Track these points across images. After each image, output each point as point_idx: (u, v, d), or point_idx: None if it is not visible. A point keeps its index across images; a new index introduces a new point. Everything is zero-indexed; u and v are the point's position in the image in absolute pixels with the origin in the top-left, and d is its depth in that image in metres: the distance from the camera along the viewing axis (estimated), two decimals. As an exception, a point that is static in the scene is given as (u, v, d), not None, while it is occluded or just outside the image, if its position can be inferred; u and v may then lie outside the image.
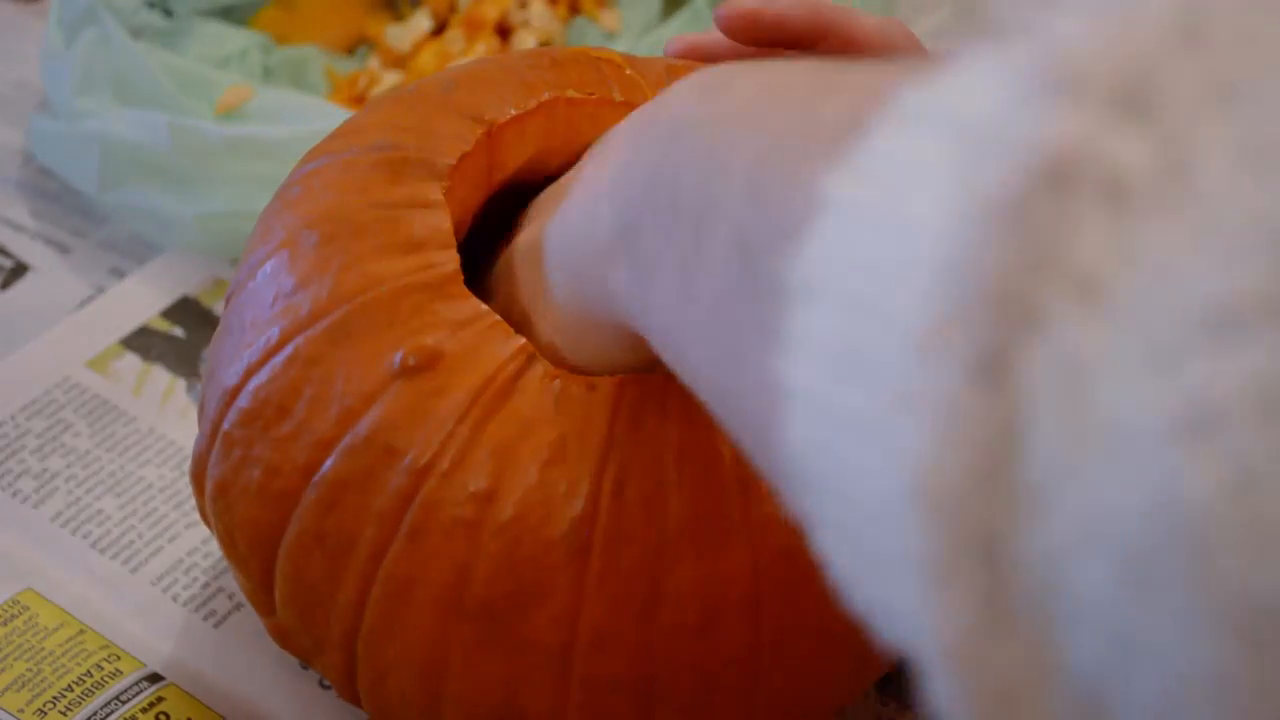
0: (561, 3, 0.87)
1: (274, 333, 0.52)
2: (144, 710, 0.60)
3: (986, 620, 0.25)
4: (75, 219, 0.80)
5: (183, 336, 0.75)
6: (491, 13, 0.85)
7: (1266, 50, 0.26)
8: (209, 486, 0.54)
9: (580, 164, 0.53)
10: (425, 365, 0.50)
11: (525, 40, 0.84)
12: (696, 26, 0.84)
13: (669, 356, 0.42)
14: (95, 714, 0.60)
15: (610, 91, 0.59)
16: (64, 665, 0.61)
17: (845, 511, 0.29)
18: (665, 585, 0.49)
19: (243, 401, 0.52)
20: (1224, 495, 0.23)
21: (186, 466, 0.68)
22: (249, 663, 0.62)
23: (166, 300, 0.76)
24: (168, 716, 0.60)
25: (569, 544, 0.48)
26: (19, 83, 0.87)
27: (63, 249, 0.79)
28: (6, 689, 0.61)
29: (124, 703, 0.60)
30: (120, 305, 0.76)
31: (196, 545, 0.66)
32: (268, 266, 0.53)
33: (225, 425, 0.53)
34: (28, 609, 0.63)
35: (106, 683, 0.61)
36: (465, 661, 0.50)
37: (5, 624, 0.63)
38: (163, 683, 0.61)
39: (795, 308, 0.30)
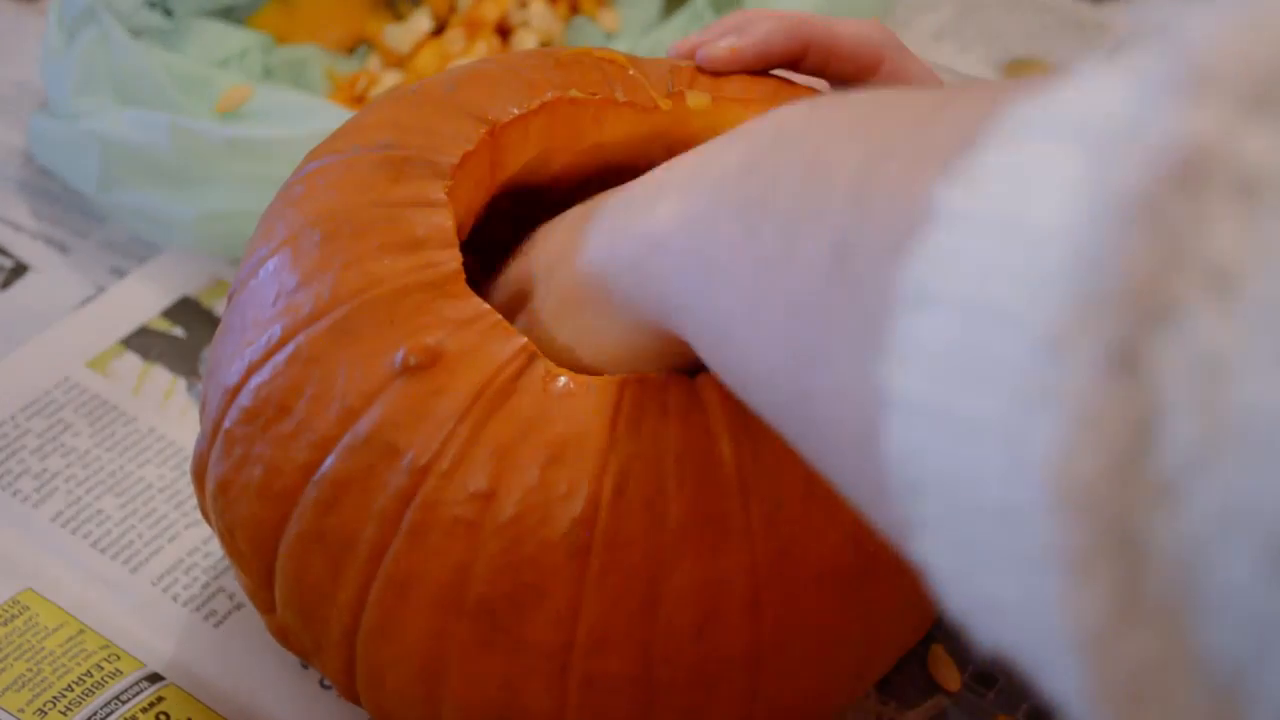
0: (561, 2, 0.87)
1: (275, 331, 0.52)
2: (144, 710, 0.60)
3: (1123, 611, 0.26)
4: (75, 219, 0.80)
5: (183, 336, 0.75)
6: (491, 13, 0.85)
7: None
8: (210, 485, 0.54)
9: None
10: (426, 364, 0.50)
11: (525, 40, 0.84)
12: (696, 26, 0.84)
13: (718, 356, 0.42)
14: (95, 714, 0.60)
15: (613, 92, 0.59)
16: (64, 665, 0.61)
17: (958, 513, 0.29)
18: (665, 586, 0.49)
19: (244, 400, 0.52)
20: None
21: (186, 466, 0.68)
22: (249, 663, 0.62)
23: (166, 300, 0.76)
24: (168, 716, 0.60)
25: (569, 544, 0.48)
26: (19, 83, 0.87)
27: (63, 249, 0.79)
28: (6, 689, 0.61)
29: (124, 703, 0.60)
30: (120, 305, 0.76)
31: (197, 545, 0.66)
32: (270, 265, 0.53)
33: (226, 423, 0.53)
34: (28, 609, 0.63)
35: (106, 683, 0.61)
36: (464, 661, 0.50)
37: (5, 624, 0.63)
38: (163, 683, 0.61)
39: (904, 315, 0.30)
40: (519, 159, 0.58)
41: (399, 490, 0.49)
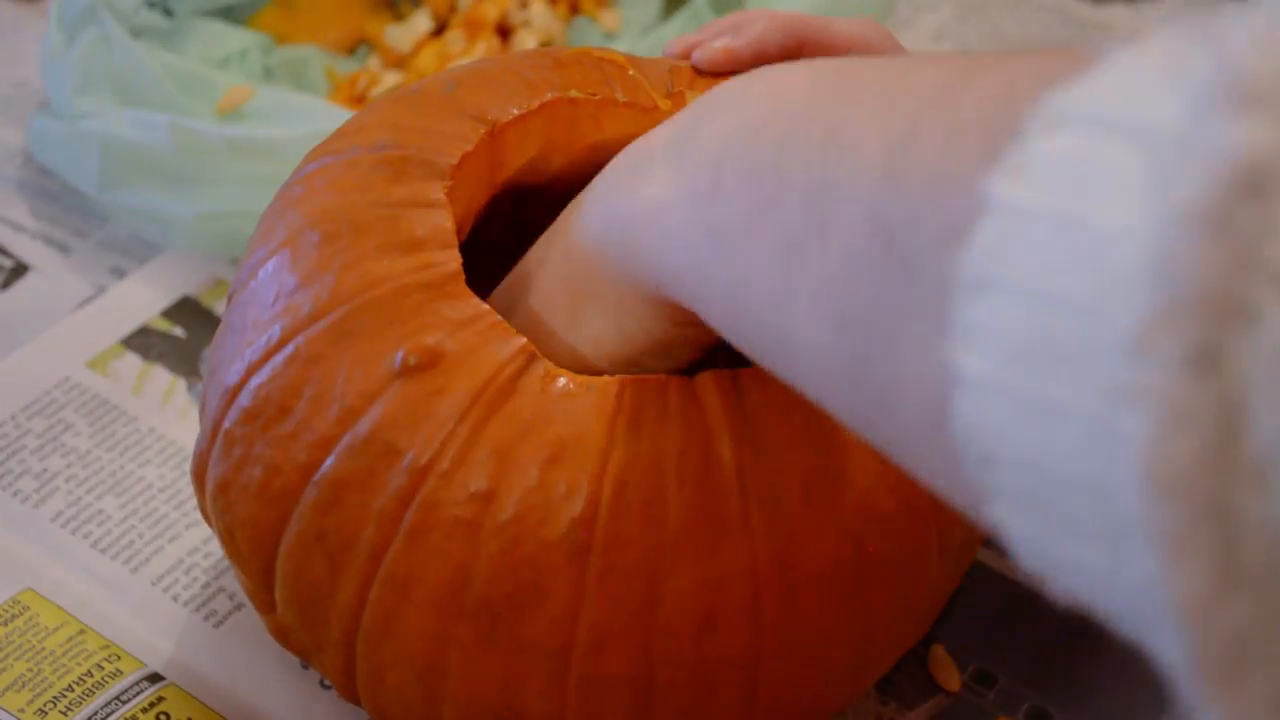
0: (562, 2, 0.87)
1: (275, 331, 0.52)
2: (144, 710, 0.60)
3: (1222, 582, 0.28)
4: (75, 219, 0.80)
5: (183, 336, 0.75)
6: (492, 13, 0.85)
7: None
8: (210, 485, 0.54)
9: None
10: (426, 365, 0.50)
11: (525, 40, 0.84)
12: (695, 26, 0.84)
13: (733, 324, 0.43)
14: (95, 714, 0.60)
15: (613, 92, 0.59)
16: (64, 665, 0.61)
17: (1037, 484, 0.31)
18: (664, 586, 0.49)
19: (244, 400, 0.52)
20: None
21: (187, 466, 0.68)
22: (249, 663, 0.62)
23: (167, 300, 0.76)
24: (168, 716, 0.60)
25: (568, 544, 0.48)
26: (19, 83, 0.87)
27: (63, 249, 0.79)
28: (7, 689, 0.61)
29: (124, 703, 0.60)
30: (120, 305, 0.76)
31: (197, 545, 0.66)
32: (269, 265, 0.53)
33: (226, 424, 0.53)
34: (28, 609, 0.63)
35: (107, 683, 0.61)
36: (464, 661, 0.50)
37: (5, 624, 0.63)
38: (163, 683, 0.61)
39: (966, 300, 0.32)
40: (519, 159, 0.58)
41: (399, 490, 0.49)
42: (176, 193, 0.76)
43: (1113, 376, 0.29)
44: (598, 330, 0.51)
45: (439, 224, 0.53)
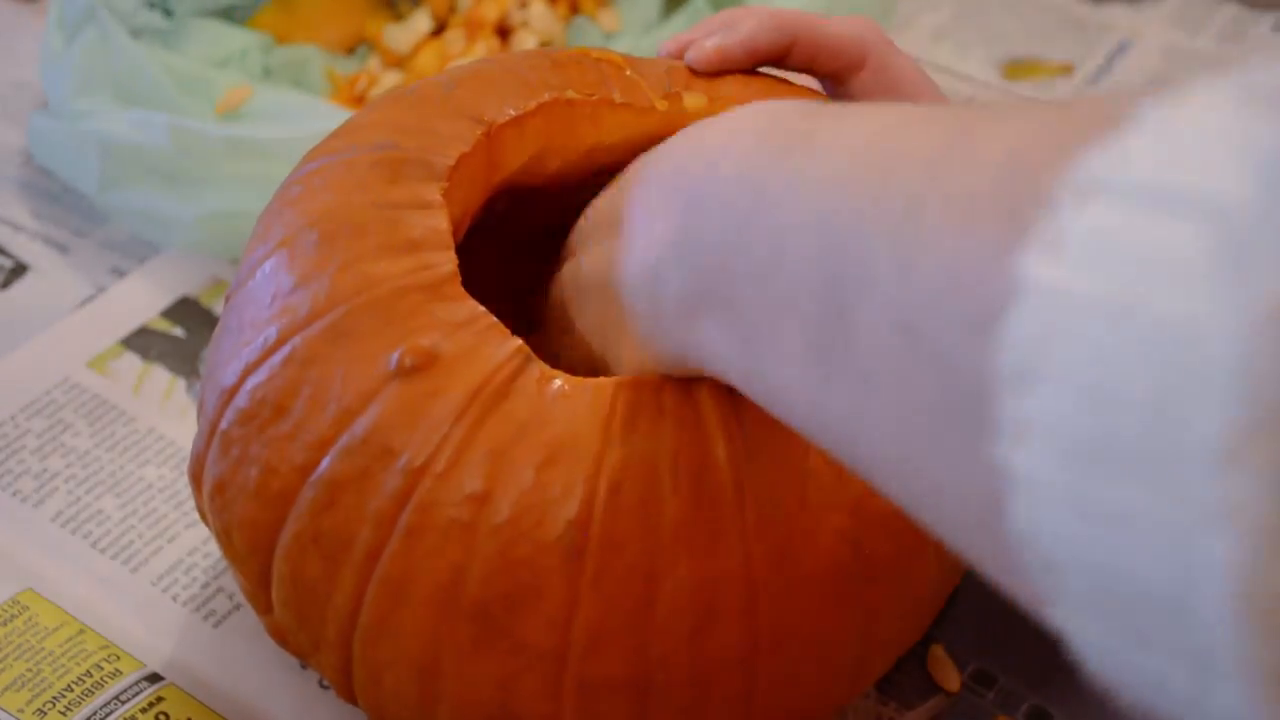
0: (561, 2, 0.87)
1: (272, 332, 0.52)
2: (144, 710, 0.60)
3: None
4: (75, 219, 0.80)
5: (183, 336, 0.75)
6: (491, 13, 0.85)
7: None
8: (207, 485, 0.54)
9: (615, 193, 0.53)
10: (422, 366, 0.50)
11: (525, 40, 0.84)
12: (696, 26, 0.84)
13: (785, 415, 0.41)
14: (95, 714, 0.60)
15: (610, 93, 0.59)
16: (64, 665, 0.62)
17: (1106, 595, 0.28)
18: (660, 587, 0.49)
19: (240, 401, 0.52)
20: None
21: (186, 466, 0.68)
22: (249, 663, 0.62)
23: (166, 300, 0.76)
24: (167, 716, 0.60)
25: (564, 546, 0.48)
26: (19, 83, 0.87)
27: (63, 249, 0.79)
28: (6, 689, 0.61)
29: (124, 703, 0.60)
30: (120, 305, 0.76)
31: (196, 545, 0.66)
32: (267, 266, 0.53)
33: (223, 424, 0.53)
34: (28, 609, 0.64)
35: (106, 683, 0.61)
36: (460, 662, 0.50)
37: (5, 624, 0.63)
38: (162, 683, 0.61)
39: (1009, 393, 0.29)
40: (516, 160, 0.58)
41: (395, 492, 0.49)
42: (176, 193, 0.76)
43: (1193, 488, 0.26)
44: (624, 360, 0.50)
45: (435, 225, 0.53)
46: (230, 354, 0.53)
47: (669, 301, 0.45)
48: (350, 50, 0.88)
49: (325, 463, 0.50)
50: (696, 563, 0.49)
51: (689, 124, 0.60)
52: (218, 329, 0.56)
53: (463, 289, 0.51)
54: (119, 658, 0.62)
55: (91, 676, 0.61)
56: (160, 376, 0.73)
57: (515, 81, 0.58)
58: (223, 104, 0.77)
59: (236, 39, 0.83)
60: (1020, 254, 0.29)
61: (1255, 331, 0.25)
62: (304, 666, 0.62)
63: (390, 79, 0.83)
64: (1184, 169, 0.27)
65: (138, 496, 0.68)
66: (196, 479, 0.55)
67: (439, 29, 0.87)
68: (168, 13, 0.83)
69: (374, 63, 0.86)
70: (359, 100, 0.82)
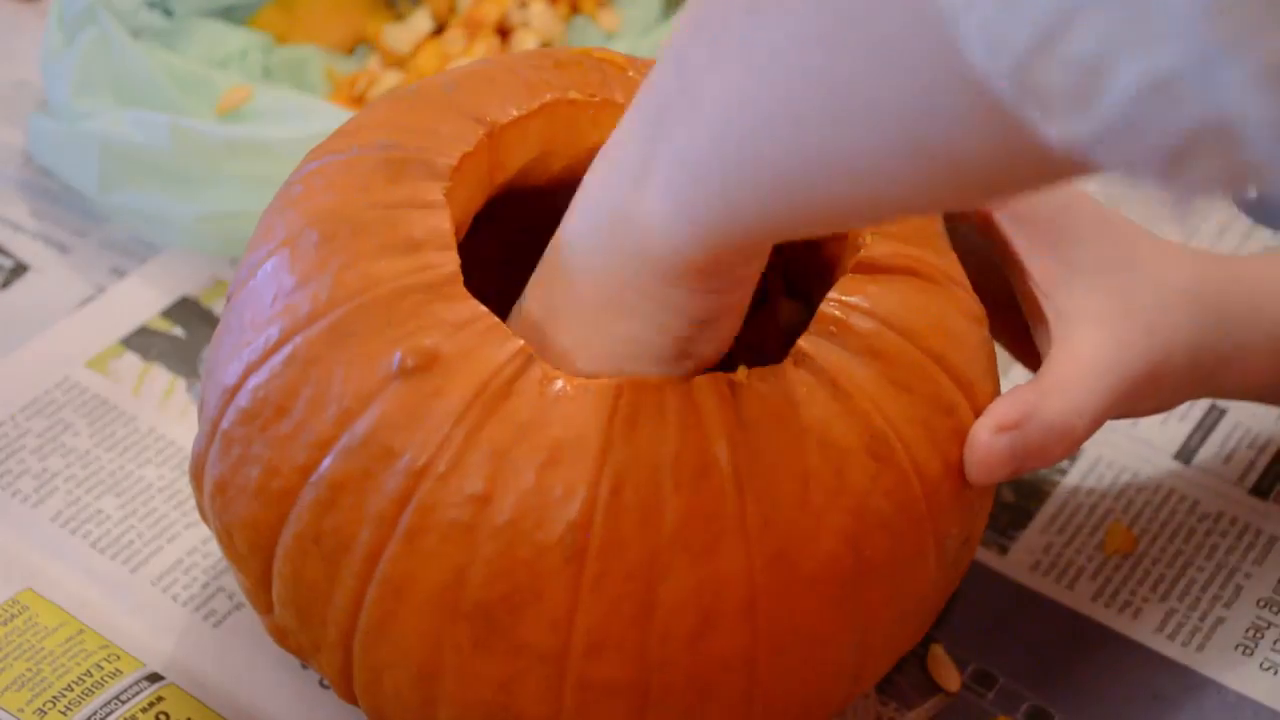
0: (562, 2, 0.87)
1: (273, 332, 0.52)
2: (144, 710, 0.60)
3: None
4: (75, 219, 0.80)
5: (183, 336, 0.75)
6: (492, 13, 0.85)
7: None
8: (208, 485, 0.54)
9: None
10: (423, 366, 0.50)
11: (525, 40, 0.84)
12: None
13: (748, 136, 0.41)
14: (95, 714, 0.60)
15: (612, 93, 0.59)
16: (64, 665, 0.62)
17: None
18: (661, 589, 0.49)
19: (241, 400, 0.52)
20: None
21: (186, 466, 0.68)
22: (249, 663, 0.62)
23: (166, 300, 0.76)
24: (167, 716, 0.60)
25: (565, 547, 0.48)
26: (19, 83, 0.87)
27: (63, 249, 0.79)
28: (6, 689, 0.61)
29: (124, 702, 0.60)
30: (120, 305, 0.76)
31: (196, 545, 0.66)
32: (268, 265, 0.53)
33: (224, 424, 0.53)
34: (28, 609, 0.64)
35: (106, 682, 0.61)
36: (460, 663, 0.50)
37: (5, 624, 0.63)
38: (162, 682, 0.61)
39: None
40: (518, 160, 0.58)
41: (396, 492, 0.49)
42: (176, 193, 0.76)
43: None
44: (633, 332, 0.50)
45: (437, 225, 0.53)
46: (231, 353, 0.53)
47: (631, 160, 0.45)
48: (350, 50, 0.88)
49: (326, 463, 0.50)
50: (697, 564, 0.49)
51: None
52: (219, 328, 0.56)
53: (464, 289, 0.51)
54: (119, 658, 0.62)
55: (91, 676, 0.61)
56: (160, 376, 0.73)
57: (517, 82, 0.58)
58: (222, 104, 0.77)
59: (237, 39, 0.83)
60: None
61: None
62: (304, 666, 0.62)
63: (390, 79, 0.83)
64: None
65: (138, 496, 0.68)
66: (197, 479, 0.55)
67: (439, 29, 0.87)
68: (168, 13, 0.83)
69: (374, 63, 0.86)
70: (359, 100, 0.82)
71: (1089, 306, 0.56)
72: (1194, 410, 0.72)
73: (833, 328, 0.53)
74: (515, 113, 0.57)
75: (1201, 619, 0.65)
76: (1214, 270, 0.59)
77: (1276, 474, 0.70)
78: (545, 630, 0.49)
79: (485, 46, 0.84)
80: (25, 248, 0.79)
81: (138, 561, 0.66)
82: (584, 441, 0.49)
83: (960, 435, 0.54)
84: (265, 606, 0.55)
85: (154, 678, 0.62)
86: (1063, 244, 0.57)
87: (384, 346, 0.50)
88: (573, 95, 0.58)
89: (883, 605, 0.53)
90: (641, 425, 0.49)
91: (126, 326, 0.75)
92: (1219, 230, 0.82)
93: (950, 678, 0.63)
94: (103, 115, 0.77)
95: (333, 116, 0.75)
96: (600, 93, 0.59)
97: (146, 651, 0.63)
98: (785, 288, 0.62)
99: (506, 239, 0.64)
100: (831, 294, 0.54)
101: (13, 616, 0.63)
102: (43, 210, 0.81)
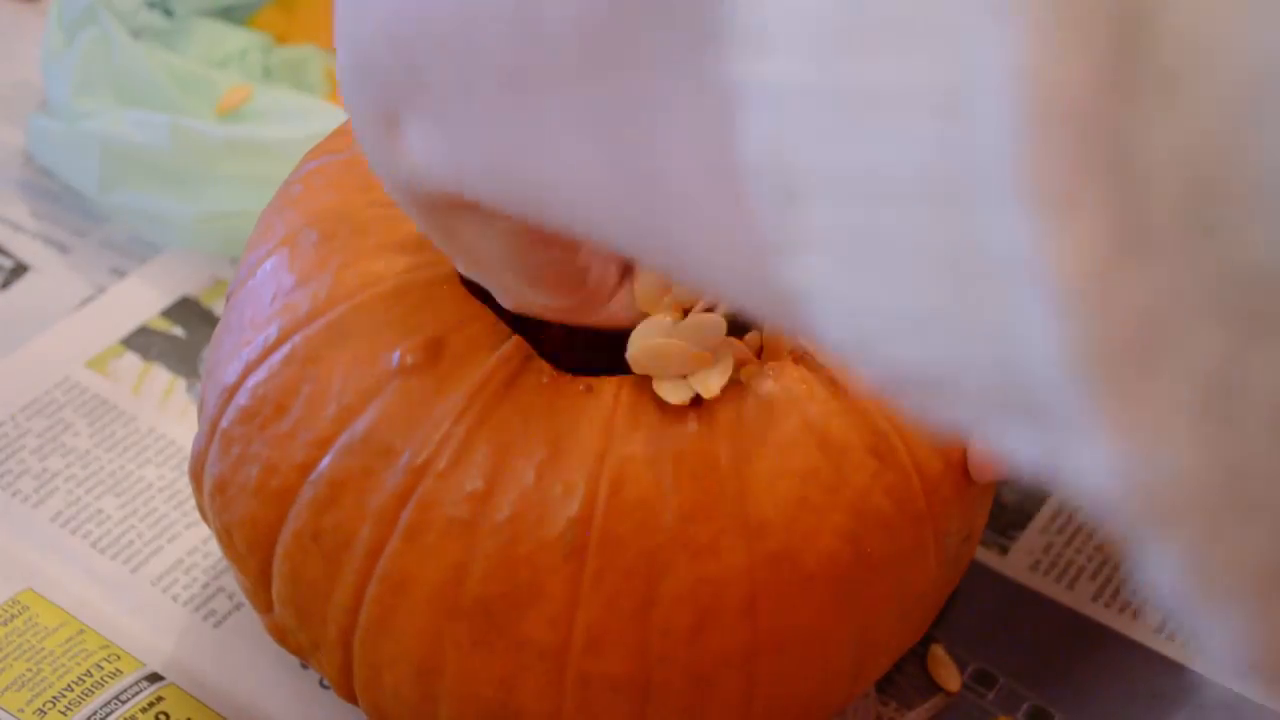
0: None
1: (273, 331, 0.52)
2: (144, 710, 0.60)
3: (1123, 239, 0.21)
4: (75, 219, 0.80)
5: (183, 336, 0.75)
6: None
7: None
8: (207, 484, 0.54)
9: None
10: (423, 364, 0.50)
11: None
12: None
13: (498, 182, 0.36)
14: (95, 714, 0.60)
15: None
16: (64, 665, 0.61)
17: (858, 200, 0.24)
18: (661, 586, 0.49)
19: (241, 399, 0.52)
20: None
21: (186, 466, 0.68)
22: (249, 662, 0.62)
23: (166, 300, 0.76)
24: (168, 716, 0.60)
25: (565, 544, 0.48)
26: (19, 83, 0.87)
27: (63, 249, 0.79)
28: (6, 689, 0.61)
29: (124, 703, 0.60)
30: (120, 305, 0.76)
31: (196, 545, 0.66)
32: (268, 264, 0.54)
33: (223, 423, 0.53)
34: (28, 609, 0.63)
35: (106, 683, 0.61)
36: (460, 660, 0.50)
37: (5, 624, 0.63)
38: (163, 682, 0.61)
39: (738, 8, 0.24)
40: (517, 159, 0.58)
41: (395, 490, 0.49)
42: (176, 193, 0.76)
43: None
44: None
45: (437, 224, 0.53)
46: (231, 352, 0.53)
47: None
48: (350, 50, 0.88)
49: (326, 461, 0.50)
50: (697, 561, 0.49)
51: None
52: (218, 328, 0.56)
53: (464, 287, 0.51)
54: (119, 658, 0.62)
55: (91, 676, 0.61)
56: (160, 376, 0.73)
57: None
58: (223, 104, 0.77)
59: (237, 39, 0.83)
60: None
61: None
62: (304, 666, 0.62)
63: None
64: None
65: (138, 496, 0.68)
66: (197, 478, 0.55)
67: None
68: (168, 13, 0.83)
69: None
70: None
71: None
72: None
73: (833, 326, 0.53)
74: (515, 112, 0.57)
75: (1202, 619, 0.65)
76: None
77: (1277, 474, 0.70)
78: (545, 627, 0.49)
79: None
80: (25, 248, 0.79)
81: (138, 561, 0.66)
82: (584, 439, 0.49)
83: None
84: (265, 605, 0.55)
85: (154, 678, 0.61)
86: None
87: (384, 344, 0.50)
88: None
89: (883, 603, 0.53)
90: (642, 422, 0.49)
91: (126, 326, 0.75)
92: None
93: (950, 678, 0.63)
94: (103, 115, 0.77)
95: (333, 116, 0.75)
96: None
97: (146, 651, 0.63)
98: None
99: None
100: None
101: (13, 616, 0.63)
102: (43, 210, 0.81)
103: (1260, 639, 0.23)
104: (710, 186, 0.27)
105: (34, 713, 0.60)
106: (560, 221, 0.34)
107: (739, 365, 0.51)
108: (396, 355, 0.50)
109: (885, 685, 0.63)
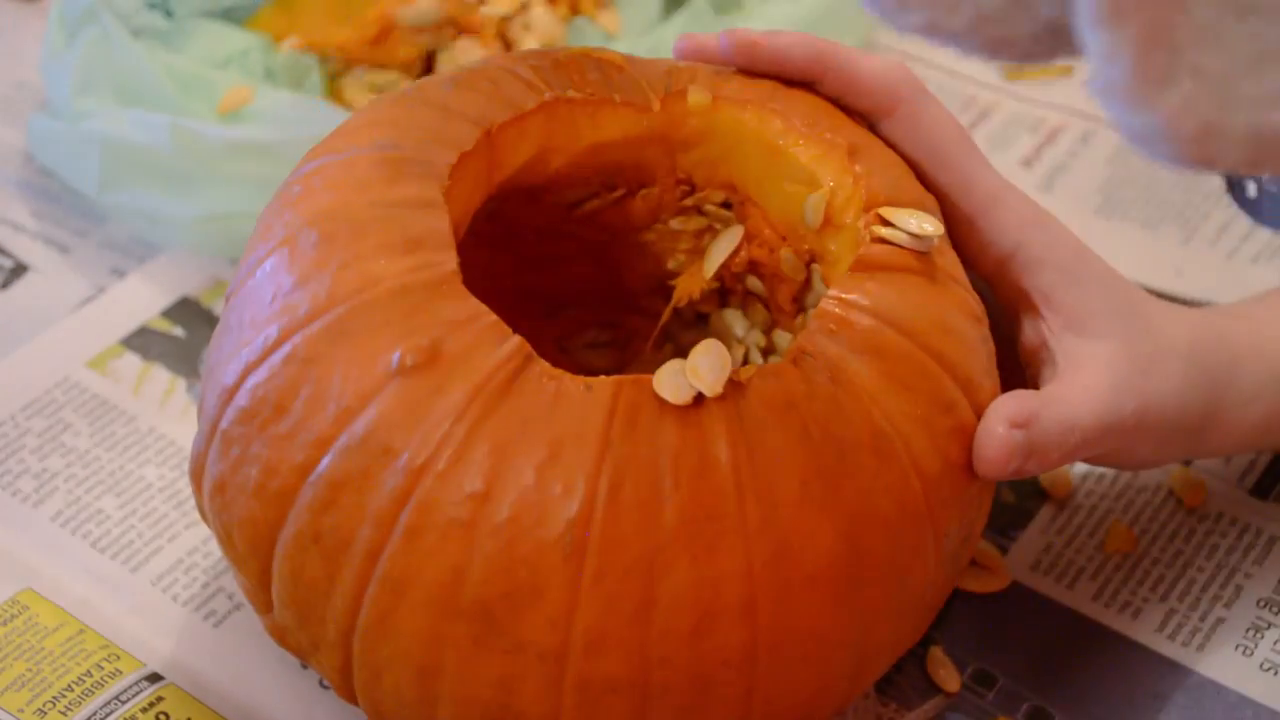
0: (562, 4, 0.87)
1: (272, 331, 0.52)
2: (144, 710, 0.60)
3: None
4: (75, 219, 0.80)
5: (183, 336, 0.75)
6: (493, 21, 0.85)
7: None
8: (207, 485, 0.54)
9: None
10: (423, 364, 0.50)
11: (526, 43, 0.84)
12: (695, 26, 0.84)
13: None
14: (95, 714, 0.60)
15: (610, 92, 0.59)
16: (64, 665, 0.62)
17: None
18: (660, 587, 0.49)
19: (241, 400, 0.52)
20: None
21: (186, 466, 0.68)
22: (249, 663, 0.62)
23: (166, 300, 0.77)
24: (167, 716, 0.60)
25: (564, 545, 0.48)
26: (19, 83, 0.87)
27: (63, 249, 0.79)
28: (6, 689, 0.61)
29: (124, 703, 0.60)
30: (120, 305, 0.76)
31: (196, 545, 0.66)
32: (267, 265, 0.54)
33: (223, 423, 0.53)
34: (28, 609, 0.64)
35: (106, 683, 0.61)
36: (460, 661, 0.50)
37: (5, 624, 0.63)
38: (162, 682, 0.61)
39: None
40: (516, 160, 0.58)
41: (395, 491, 0.49)
42: (176, 193, 0.76)
43: None
44: None
45: (436, 224, 0.53)
46: (230, 353, 0.53)
47: None
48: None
49: (325, 462, 0.50)
50: (697, 562, 0.49)
51: (689, 123, 0.60)
52: (218, 328, 0.56)
53: (464, 288, 0.51)
54: (119, 658, 0.62)
55: (91, 676, 0.61)
56: (160, 376, 0.73)
57: (516, 81, 0.58)
58: (223, 105, 0.77)
59: (238, 40, 0.83)
60: None
61: None
62: (304, 666, 0.62)
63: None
64: None
65: (138, 496, 0.68)
66: (197, 478, 0.55)
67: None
68: (169, 13, 0.83)
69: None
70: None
71: (1095, 348, 0.58)
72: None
73: (832, 325, 0.53)
74: (514, 112, 0.57)
75: (1201, 619, 0.65)
76: (1206, 331, 0.61)
77: (1276, 474, 0.70)
78: (545, 628, 0.49)
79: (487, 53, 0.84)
80: (25, 248, 0.79)
81: (138, 561, 0.66)
82: (583, 439, 0.49)
83: (960, 433, 0.54)
84: (265, 606, 0.55)
85: (154, 678, 0.62)
86: (1075, 289, 0.59)
87: (383, 345, 0.50)
88: (571, 94, 0.58)
89: (882, 603, 0.53)
90: (641, 423, 0.49)
91: (126, 326, 0.75)
92: (1219, 229, 0.82)
93: (950, 678, 0.63)
94: (103, 115, 0.77)
95: (333, 117, 0.75)
96: (598, 92, 0.59)
97: (146, 651, 0.63)
98: (796, 311, 0.62)
99: (504, 237, 0.64)
100: (831, 291, 0.54)
101: (13, 616, 0.63)
102: (43, 210, 0.81)
103: (1126, 60, 0.29)
104: None
105: (34, 713, 0.60)
106: None
107: (739, 365, 0.51)
108: (396, 355, 0.50)
109: (885, 686, 0.63)
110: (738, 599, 0.49)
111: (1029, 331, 0.60)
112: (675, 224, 0.63)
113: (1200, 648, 0.64)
